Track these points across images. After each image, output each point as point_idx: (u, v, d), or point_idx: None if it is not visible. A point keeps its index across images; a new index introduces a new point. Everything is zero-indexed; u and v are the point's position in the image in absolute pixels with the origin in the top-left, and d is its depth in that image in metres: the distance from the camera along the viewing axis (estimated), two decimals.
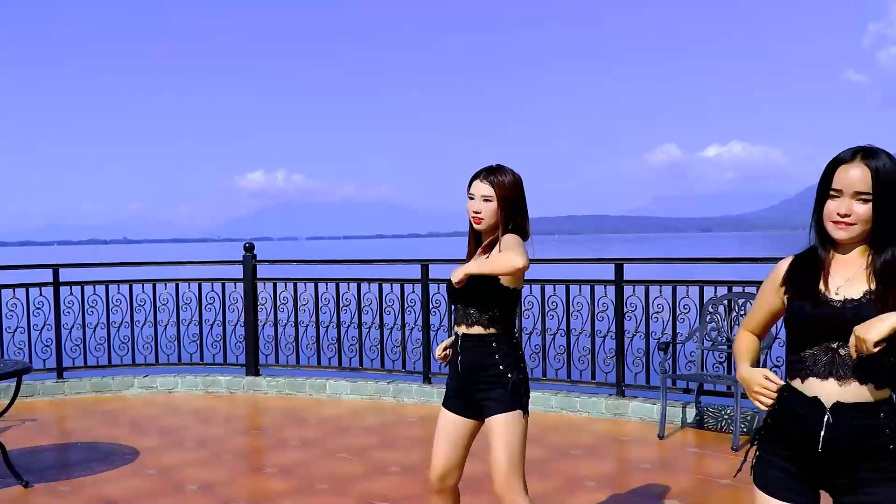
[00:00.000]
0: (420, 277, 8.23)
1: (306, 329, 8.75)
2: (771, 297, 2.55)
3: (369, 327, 8.48)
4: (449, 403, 3.59)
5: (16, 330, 8.54)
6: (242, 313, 8.90)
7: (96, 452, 6.42)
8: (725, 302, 6.78)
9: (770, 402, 2.42)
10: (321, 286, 8.69)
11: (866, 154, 2.33)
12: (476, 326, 3.46)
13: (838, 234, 2.36)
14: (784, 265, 2.54)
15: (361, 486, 5.46)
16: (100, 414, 7.77)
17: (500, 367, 3.43)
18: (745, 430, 6.57)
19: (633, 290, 7.35)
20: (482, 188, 3.45)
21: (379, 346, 8.45)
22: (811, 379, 2.35)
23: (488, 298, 3.43)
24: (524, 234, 3.47)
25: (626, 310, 7.35)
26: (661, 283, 7.23)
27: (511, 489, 3.42)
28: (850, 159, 2.35)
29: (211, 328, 8.98)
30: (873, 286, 2.31)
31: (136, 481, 5.65)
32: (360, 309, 8.47)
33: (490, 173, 3.48)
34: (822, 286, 2.39)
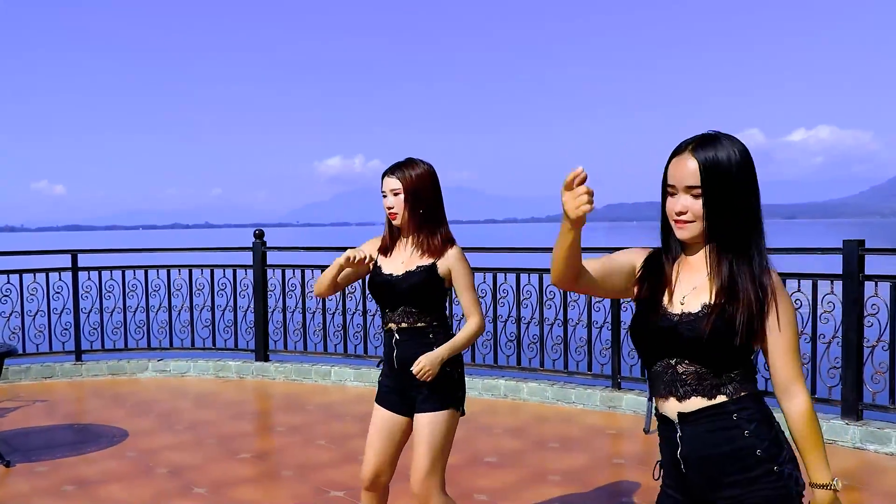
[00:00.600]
0: None
1: (313, 316, 8.79)
2: (626, 266, 2.31)
3: (373, 315, 8.47)
4: (382, 400, 3.59)
5: (36, 313, 8.79)
6: (253, 300, 9.00)
7: (87, 434, 6.57)
8: None
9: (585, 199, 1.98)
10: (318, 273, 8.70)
11: (699, 144, 2.15)
12: (413, 321, 3.46)
13: (679, 233, 2.19)
14: (641, 254, 2.34)
15: (325, 474, 5.47)
16: (109, 397, 7.95)
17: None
18: None
19: None
20: (391, 183, 3.45)
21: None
22: (661, 397, 2.22)
23: (432, 298, 3.47)
24: (438, 222, 3.48)
25: (622, 299, 7.18)
26: None
27: (427, 490, 3.41)
28: (681, 151, 2.18)
29: (223, 314, 9.10)
30: (713, 299, 2.14)
31: (112, 463, 5.77)
32: (365, 297, 8.46)
33: (397, 168, 3.47)
34: (666, 295, 2.22)
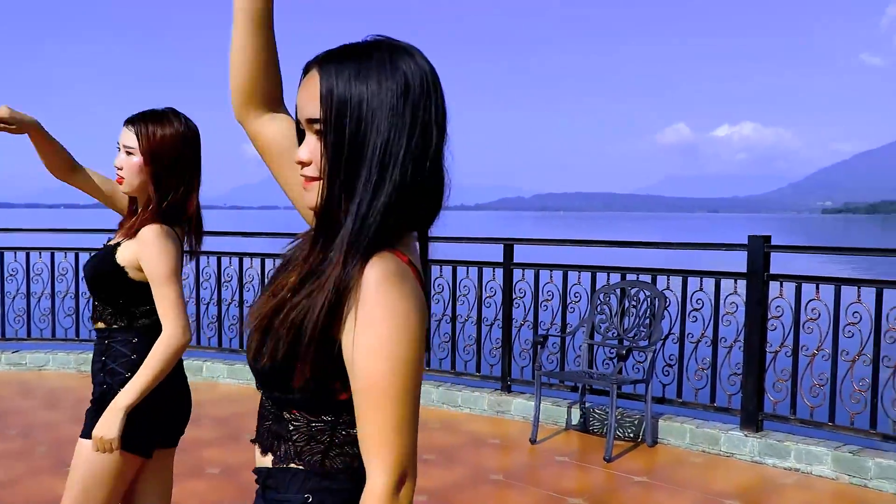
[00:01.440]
0: None
1: (186, 305, 8.01)
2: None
3: (251, 306, 7.75)
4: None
5: None
6: None
7: None
8: (618, 290, 6.02)
9: None
10: (202, 260, 7.95)
11: (328, 55, 1.32)
12: (96, 319, 2.67)
13: (307, 198, 1.36)
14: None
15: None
16: None
17: (104, 375, 2.61)
18: (629, 435, 5.85)
19: (523, 275, 6.59)
20: (126, 136, 2.56)
21: None
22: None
23: (105, 291, 2.62)
24: (182, 211, 2.61)
25: (514, 296, 6.59)
26: (551, 266, 6.48)
27: None
28: (307, 67, 1.36)
29: (88, 301, 8.26)
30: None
31: None
32: (242, 286, 7.74)
33: (142, 119, 2.56)
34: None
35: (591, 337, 6.06)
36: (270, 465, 1.41)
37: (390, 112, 1.27)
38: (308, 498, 1.36)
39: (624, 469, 5.28)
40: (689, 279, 5.83)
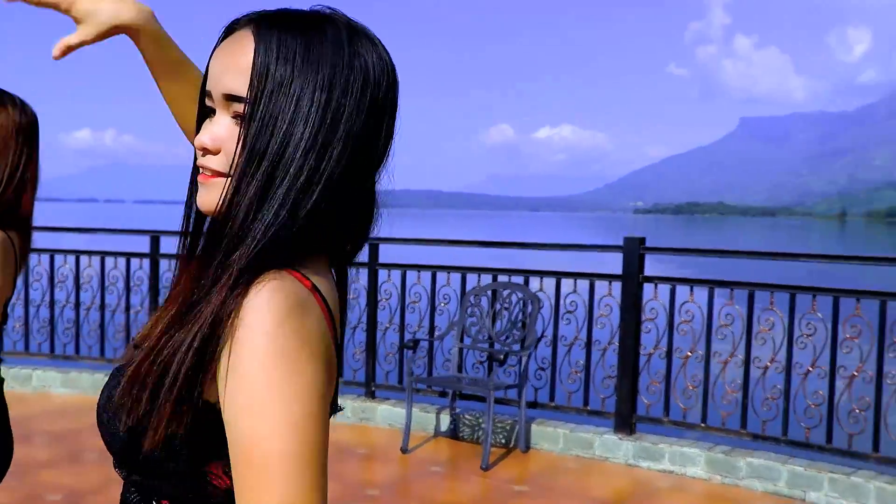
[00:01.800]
0: (149, 252, 6.90)
1: (13, 308, 7.21)
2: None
3: (88, 308, 7.08)
4: None
5: None
6: None
7: None
8: (489, 292, 5.85)
9: None
10: (33, 258, 7.18)
11: (265, 16, 1.00)
12: None
13: (200, 196, 1.02)
14: None
15: None
16: None
17: None
18: (501, 441, 5.69)
19: (389, 275, 6.31)
20: None
21: (99, 331, 7.07)
22: None
23: None
24: (14, 212, 2.15)
25: (379, 298, 6.30)
26: (419, 267, 6.23)
27: None
28: (234, 25, 1.03)
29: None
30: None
31: None
32: (79, 286, 7.05)
33: None
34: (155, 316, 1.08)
35: (462, 340, 5.86)
36: None
37: (337, 109, 0.96)
38: None
39: (501, 478, 5.11)
40: (563, 280, 5.74)
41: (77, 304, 7.08)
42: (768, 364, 5.10)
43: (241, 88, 0.96)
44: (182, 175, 1.17)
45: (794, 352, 4.99)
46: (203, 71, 1.06)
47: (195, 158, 1.06)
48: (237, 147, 0.96)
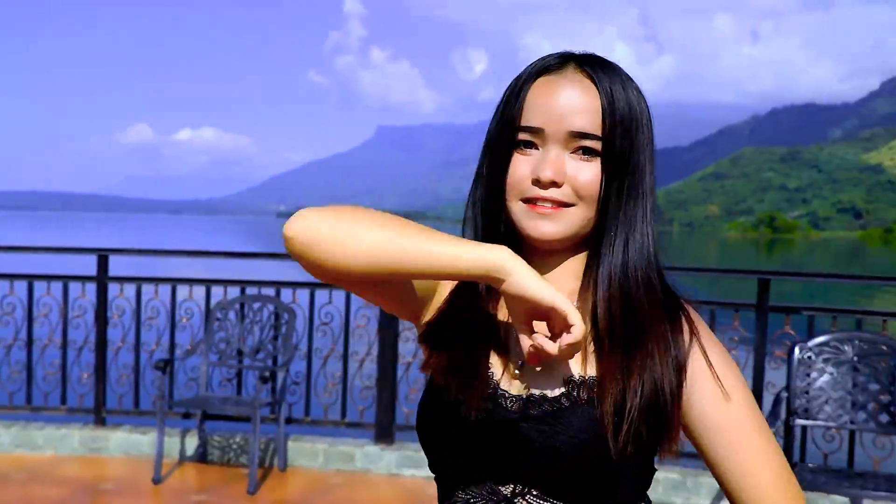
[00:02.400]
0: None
1: None
2: (424, 292, 1.25)
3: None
4: None
5: None
6: None
7: None
8: (238, 306, 5.56)
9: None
10: None
11: (588, 61, 1.16)
12: None
13: (539, 226, 1.14)
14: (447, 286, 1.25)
15: None
16: None
17: None
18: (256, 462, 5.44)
19: (122, 290, 5.76)
20: None
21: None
22: None
23: None
24: None
25: (111, 314, 5.73)
26: (157, 280, 5.76)
27: None
28: (557, 66, 1.16)
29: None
30: (593, 369, 1.13)
31: None
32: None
33: None
34: (493, 359, 1.18)
35: (207, 358, 5.51)
36: None
37: (652, 136, 1.18)
38: None
39: (270, 500, 4.89)
40: (317, 291, 5.62)
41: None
42: None
43: (591, 127, 1.12)
44: None
45: None
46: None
47: (477, 193, 1.22)
48: (602, 178, 1.13)
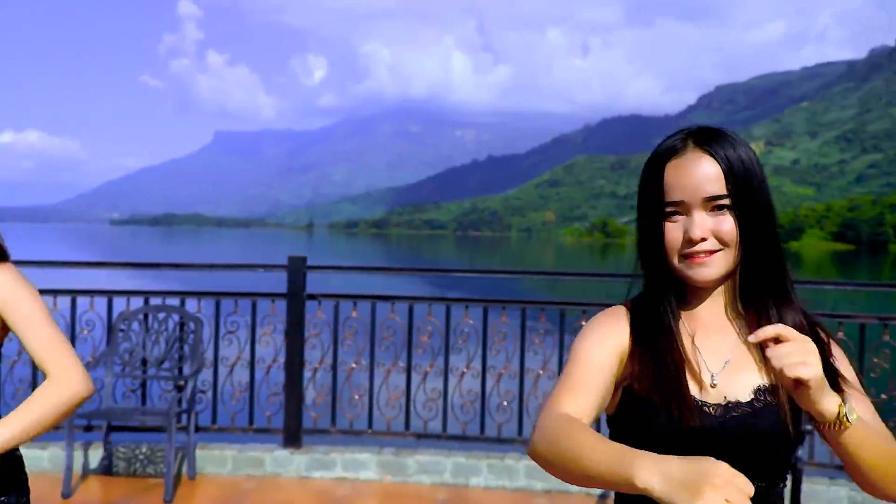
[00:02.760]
0: None
1: None
2: (602, 372, 1.52)
3: None
4: None
5: None
6: None
7: None
8: (141, 316, 5.56)
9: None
10: None
11: (703, 137, 1.52)
12: None
13: (698, 272, 1.51)
14: (619, 326, 1.58)
15: None
16: None
17: None
18: (162, 471, 5.45)
19: None
20: None
21: None
22: None
23: None
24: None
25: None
26: (56, 292, 5.66)
27: None
28: (682, 148, 1.52)
29: None
30: (767, 381, 1.49)
31: None
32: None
33: None
34: (689, 377, 1.51)
35: (111, 369, 5.48)
36: None
37: (764, 177, 1.53)
38: None
39: None
40: (223, 301, 5.69)
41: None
42: (428, 369, 5.67)
43: (719, 189, 1.49)
44: None
45: (452, 357, 5.63)
46: None
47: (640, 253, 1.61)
48: (737, 227, 1.49)
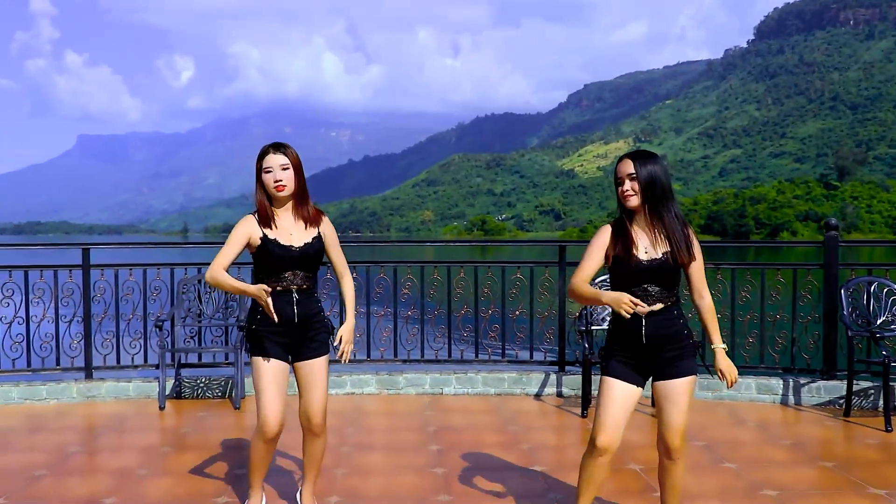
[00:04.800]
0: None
1: None
2: (598, 254, 3.79)
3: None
4: (267, 351, 3.97)
5: None
6: None
7: None
8: (196, 281, 7.51)
9: (631, 312, 3.56)
10: None
11: (631, 155, 3.78)
12: (308, 284, 4.09)
13: (629, 202, 3.74)
14: (606, 233, 3.80)
15: None
16: None
17: (322, 315, 4.12)
18: (219, 395, 7.43)
19: (102, 274, 7.51)
20: (278, 159, 4.03)
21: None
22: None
23: (319, 262, 4.15)
24: (307, 195, 4.17)
25: (93, 293, 7.46)
26: (131, 265, 7.56)
27: (325, 421, 4.22)
28: (623, 159, 3.78)
29: None
30: (665, 249, 3.73)
31: None
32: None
33: (280, 147, 4.08)
34: (634, 250, 3.73)
35: (184, 321, 7.43)
36: (667, 306, 3.80)
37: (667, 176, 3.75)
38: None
39: (251, 412, 6.96)
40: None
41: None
42: (408, 314, 7.86)
43: (633, 171, 3.73)
44: None
45: (427, 305, 7.82)
46: None
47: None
48: (639, 185, 3.73)
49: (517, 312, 7.86)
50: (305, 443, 4.27)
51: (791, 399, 7.14)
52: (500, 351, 7.87)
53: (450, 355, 7.84)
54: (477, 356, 7.84)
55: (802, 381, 7.15)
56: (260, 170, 4.04)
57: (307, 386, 4.15)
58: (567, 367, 7.65)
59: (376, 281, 7.87)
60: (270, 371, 4.05)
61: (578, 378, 7.18)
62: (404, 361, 7.86)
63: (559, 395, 7.50)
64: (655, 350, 3.76)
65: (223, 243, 4.11)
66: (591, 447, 3.81)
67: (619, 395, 3.77)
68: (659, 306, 3.73)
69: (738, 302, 7.39)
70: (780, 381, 7.18)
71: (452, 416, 6.78)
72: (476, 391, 7.61)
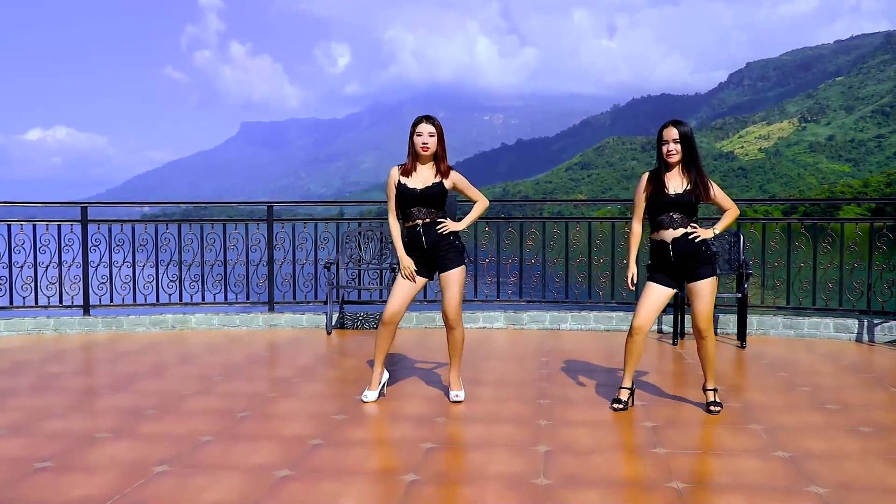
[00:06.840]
0: (80, 218, 8.94)
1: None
2: (641, 197, 5.21)
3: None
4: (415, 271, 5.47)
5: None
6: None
7: None
8: (357, 234, 9.13)
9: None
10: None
11: (674, 123, 5.10)
12: (432, 217, 5.45)
13: (670, 159, 5.10)
14: (644, 179, 5.19)
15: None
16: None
17: (451, 238, 5.48)
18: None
19: (283, 227, 9.27)
20: (428, 127, 5.42)
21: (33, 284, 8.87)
22: (662, 231, 5.10)
23: (442, 201, 5.51)
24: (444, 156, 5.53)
25: (275, 243, 9.23)
26: (305, 220, 9.30)
27: (459, 315, 5.54)
28: (667, 125, 5.10)
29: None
30: (687, 188, 5.10)
31: None
32: (11, 248, 8.79)
33: (430, 118, 5.46)
34: (666, 188, 5.11)
35: (347, 266, 9.07)
36: (689, 231, 5.16)
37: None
38: None
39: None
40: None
41: (10, 264, 8.83)
42: (531, 262, 9.22)
43: (678, 137, 5.13)
44: None
45: (547, 254, 9.17)
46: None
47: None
48: (681, 149, 5.16)
49: (623, 262, 9.09)
50: (447, 335, 5.66)
51: (865, 337, 8.07)
52: (611, 293, 9.12)
53: (566, 296, 9.15)
54: (589, 297, 9.12)
55: (876, 322, 8.06)
56: (413, 133, 5.47)
57: (443, 291, 5.55)
58: (667, 308, 8.83)
59: (505, 234, 9.28)
60: (402, 282, 5.51)
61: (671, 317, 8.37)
62: (528, 301, 9.24)
63: (659, 331, 8.70)
64: (682, 263, 5.17)
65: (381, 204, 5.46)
66: (630, 329, 5.25)
67: (653, 294, 5.25)
68: (680, 231, 5.12)
69: (820, 252, 8.38)
70: (856, 321, 8.12)
71: (565, 342, 8.12)
72: (588, 327, 8.90)
